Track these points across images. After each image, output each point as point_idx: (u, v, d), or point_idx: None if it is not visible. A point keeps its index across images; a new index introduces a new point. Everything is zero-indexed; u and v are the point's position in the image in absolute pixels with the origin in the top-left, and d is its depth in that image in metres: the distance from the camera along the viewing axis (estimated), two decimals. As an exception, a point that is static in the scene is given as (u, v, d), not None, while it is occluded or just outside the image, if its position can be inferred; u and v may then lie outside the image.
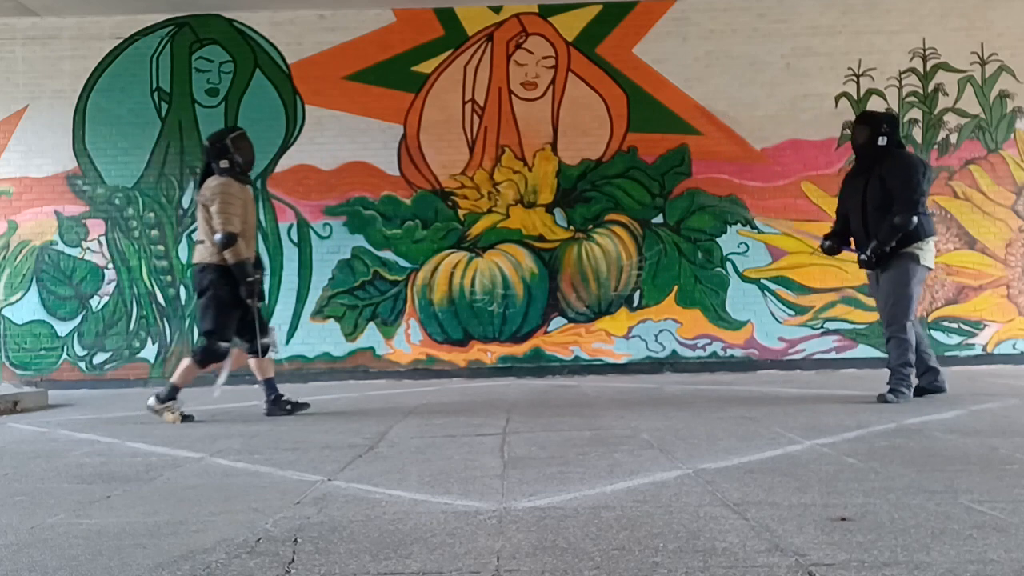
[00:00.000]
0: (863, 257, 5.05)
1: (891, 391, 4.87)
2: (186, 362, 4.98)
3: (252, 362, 5.11)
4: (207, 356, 4.94)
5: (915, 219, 4.81)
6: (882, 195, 4.91)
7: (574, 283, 7.69)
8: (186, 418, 4.89)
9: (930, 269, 5.04)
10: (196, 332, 7.66)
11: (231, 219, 4.83)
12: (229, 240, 4.81)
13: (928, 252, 4.95)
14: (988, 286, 7.68)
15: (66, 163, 7.72)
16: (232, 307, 4.95)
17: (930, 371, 5.08)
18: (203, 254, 4.94)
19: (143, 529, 2.38)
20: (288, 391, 6.81)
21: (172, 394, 4.92)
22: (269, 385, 5.13)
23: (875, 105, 7.69)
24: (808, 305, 7.61)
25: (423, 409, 5.25)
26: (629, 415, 4.63)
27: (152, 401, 4.94)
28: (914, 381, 5.02)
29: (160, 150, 7.74)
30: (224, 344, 4.94)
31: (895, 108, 7.71)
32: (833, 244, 5.32)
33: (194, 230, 7.67)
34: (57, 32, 7.76)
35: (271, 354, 5.16)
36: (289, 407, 5.10)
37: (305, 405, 5.19)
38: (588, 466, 3.13)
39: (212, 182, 4.93)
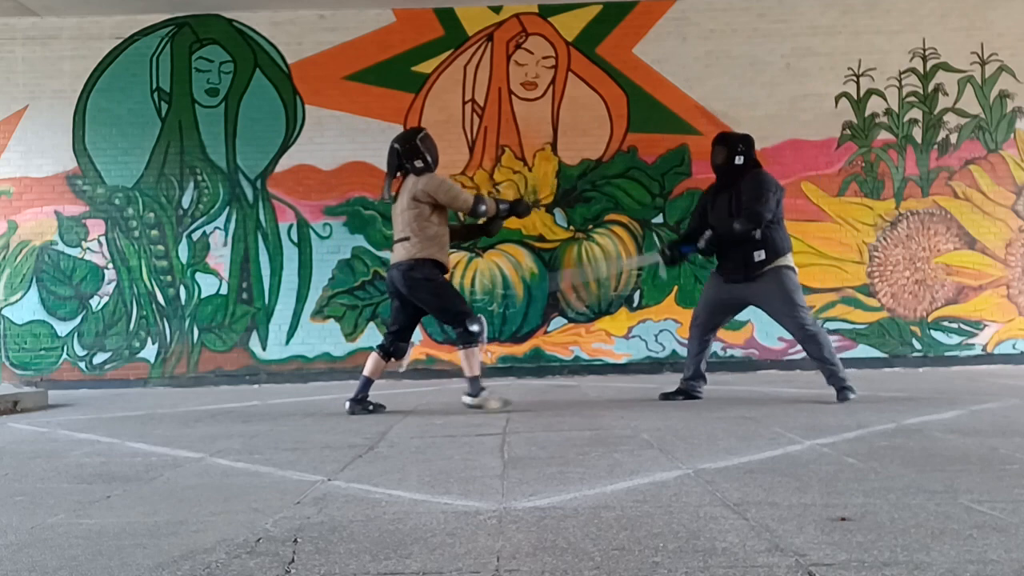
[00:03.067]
0: (700, 245, 5.18)
1: (840, 393, 4.94)
2: (460, 353, 5.01)
3: (377, 358, 5.13)
4: (472, 335, 4.94)
5: (757, 232, 4.98)
6: (729, 209, 5.10)
7: (574, 283, 7.69)
8: (505, 402, 4.97)
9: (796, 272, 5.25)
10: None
11: (462, 192, 5.04)
12: (478, 201, 5.00)
13: (791, 263, 5.16)
14: (988, 286, 7.68)
15: (66, 163, 7.72)
16: (453, 287, 5.19)
17: (699, 377, 5.38)
18: (411, 251, 4.95)
19: (143, 529, 2.38)
20: (288, 391, 6.83)
21: (477, 387, 4.97)
22: (367, 384, 5.12)
23: (875, 105, 7.70)
24: (808, 305, 7.60)
25: (423, 409, 5.25)
26: (629, 415, 4.63)
27: (467, 400, 4.99)
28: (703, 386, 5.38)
29: (160, 150, 7.74)
30: (477, 321, 4.97)
31: (895, 108, 7.71)
32: (673, 252, 5.44)
33: (194, 230, 7.70)
34: (57, 32, 7.76)
35: (399, 364, 5.27)
36: (371, 407, 5.11)
37: (382, 406, 5.19)
38: (588, 466, 3.13)
39: (425, 179, 4.98)
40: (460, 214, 5.49)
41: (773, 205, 5.04)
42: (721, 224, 5.11)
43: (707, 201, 5.38)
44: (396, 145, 5.09)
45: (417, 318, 5.23)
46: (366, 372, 5.14)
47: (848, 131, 7.70)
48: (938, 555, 1.93)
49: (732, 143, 5.21)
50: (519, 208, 5.30)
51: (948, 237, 7.66)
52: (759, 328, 7.62)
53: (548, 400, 5.62)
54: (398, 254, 5.03)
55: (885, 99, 7.71)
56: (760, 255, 5.04)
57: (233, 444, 3.98)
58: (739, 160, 5.15)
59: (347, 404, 5.07)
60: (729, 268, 5.19)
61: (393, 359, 5.19)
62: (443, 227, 5.04)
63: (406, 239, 4.99)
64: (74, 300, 7.69)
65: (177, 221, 7.74)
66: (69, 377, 7.61)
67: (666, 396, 5.40)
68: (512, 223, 7.61)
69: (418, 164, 5.02)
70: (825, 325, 7.58)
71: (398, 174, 5.10)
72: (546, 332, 7.68)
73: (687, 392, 5.37)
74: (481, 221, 5.26)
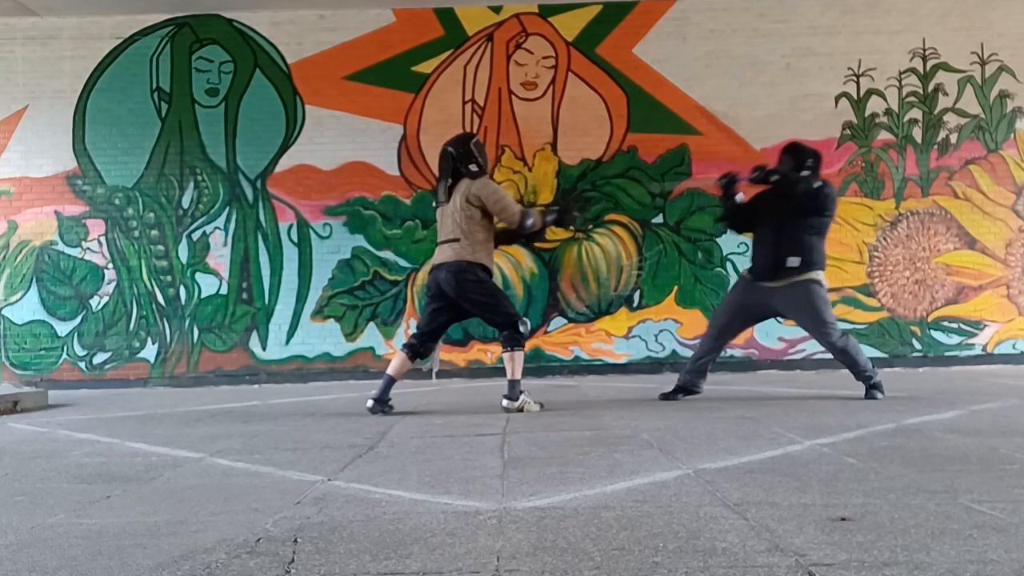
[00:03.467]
0: (753, 176, 5.09)
1: (871, 388, 5.06)
2: (506, 355, 4.98)
3: (404, 358, 5.09)
4: (520, 338, 4.97)
5: (813, 188, 4.94)
6: (795, 218, 5.03)
7: (574, 283, 7.70)
8: (542, 404, 4.98)
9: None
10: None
11: (511, 204, 5.02)
12: (525, 214, 5.00)
13: (823, 278, 5.12)
14: (988, 286, 7.68)
15: (66, 163, 7.72)
16: (501, 289, 5.22)
17: (700, 376, 5.32)
18: (461, 252, 4.96)
19: (143, 529, 2.38)
20: (288, 391, 6.83)
21: (517, 390, 4.96)
22: (390, 384, 5.09)
23: (875, 105, 7.70)
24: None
25: (423, 409, 5.25)
26: (629, 415, 4.63)
27: (506, 403, 4.96)
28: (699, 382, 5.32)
29: (160, 150, 7.74)
30: (525, 322, 5.00)
31: (895, 108, 7.72)
32: (730, 180, 5.29)
33: (194, 230, 7.70)
34: (57, 32, 7.76)
35: (427, 363, 5.21)
36: (391, 408, 5.09)
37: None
38: (588, 466, 3.13)
39: (479, 183, 5.00)
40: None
41: (829, 220, 5.06)
42: (766, 229, 5.13)
43: (761, 200, 5.24)
44: (451, 149, 5.10)
45: (455, 321, 5.23)
46: (391, 371, 5.08)
47: (848, 131, 7.70)
48: (938, 555, 1.93)
49: (802, 157, 5.12)
50: (566, 219, 5.40)
51: (948, 237, 7.67)
52: (759, 328, 7.60)
53: (548, 400, 5.61)
54: (445, 255, 5.02)
55: (885, 99, 7.71)
56: (794, 261, 5.00)
57: (233, 444, 3.98)
58: (805, 174, 5.06)
59: (369, 403, 5.02)
60: (760, 266, 5.15)
61: (418, 359, 5.17)
62: (491, 231, 5.07)
63: (455, 240, 5.00)
64: (74, 300, 7.69)
65: (177, 221, 7.74)
66: (69, 377, 7.61)
67: (666, 396, 5.39)
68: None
69: (472, 168, 5.05)
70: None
71: (449, 178, 5.12)
72: (546, 332, 7.68)
73: (686, 388, 5.34)
74: (537, 222, 5.18)
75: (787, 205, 5.02)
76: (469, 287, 4.97)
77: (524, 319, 5.02)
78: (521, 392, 4.97)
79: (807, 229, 5.01)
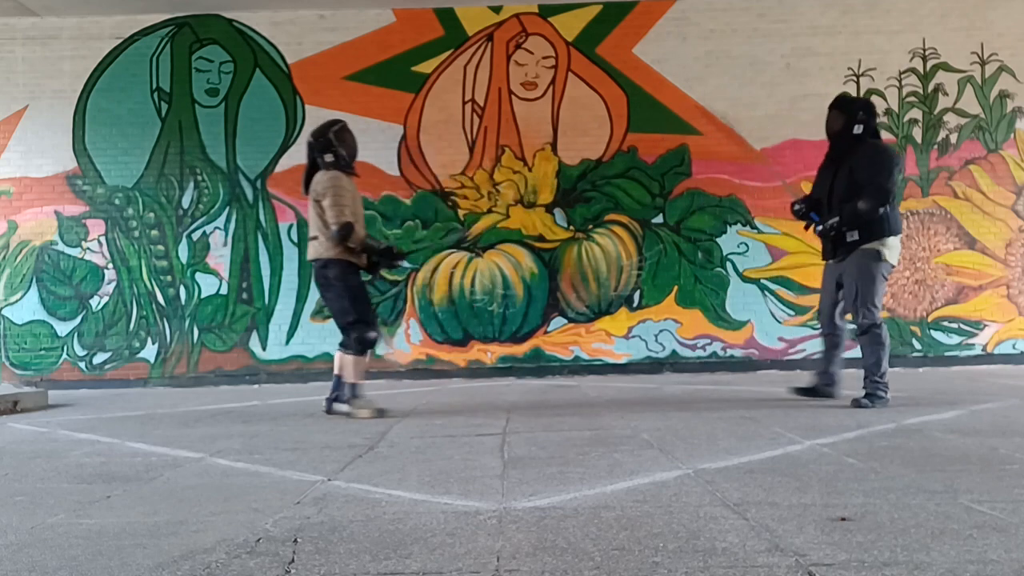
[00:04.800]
0: (819, 228, 4.90)
1: (867, 395, 4.72)
2: (347, 359, 4.93)
3: (342, 355, 5.05)
4: (363, 344, 4.90)
5: (882, 209, 4.65)
6: (848, 186, 4.75)
7: (574, 283, 7.70)
8: (381, 411, 4.91)
9: (893, 266, 4.89)
10: (195, 331, 7.67)
11: (343, 211, 4.83)
12: (346, 230, 4.81)
13: (892, 249, 4.79)
14: (988, 286, 7.68)
15: (66, 163, 7.72)
16: (364, 292, 5.02)
17: (830, 376, 5.06)
18: (319, 249, 4.92)
19: (143, 529, 2.38)
20: (288, 391, 6.83)
21: (352, 394, 4.92)
22: (340, 384, 5.07)
23: (875, 106, 7.68)
24: (808, 305, 7.61)
25: (423, 409, 5.25)
26: (629, 415, 4.63)
27: (344, 408, 4.93)
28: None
29: (160, 150, 7.74)
30: (373, 332, 4.94)
31: (895, 108, 7.71)
32: (804, 208, 5.08)
33: (194, 230, 7.70)
34: (57, 32, 7.76)
35: (380, 350, 5.13)
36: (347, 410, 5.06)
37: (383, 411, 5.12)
38: (588, 466, 3.13)
39: (322, 176, 4.91)
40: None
41: (897, 180, 4.66)
42: (825, 200, 4.84)
43: (820, 172, 5.02)
44: (310, 137, 5.01)
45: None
46: (339, 371, 5.07)
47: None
48: (938, 555, 1.93)
49: (852, 109, 4.81)
50: (383, 260, 5.05)
51: (948, 237, 7.66)
52: (759, 328, 7.62)
53: (548, 400, 5.62)
54: (309, 252, 4.99)
55: (885, 99, 7.70)
56: (853, 235, 4.71)
57: (233, 444, 3.98)
58: (858, 130, 4.76)
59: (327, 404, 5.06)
60: (825, 247, 4.97)
61: (381, 347, 5.14)
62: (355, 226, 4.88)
63: (315, 238, 4.94)
64: (74, 300, 7.68)
65: (177, 221, 7.74)
66: (69, 377, 7.61)
67: (799, 391, 5.14)
68: (513, 223, 7.67)
69: (328, 158, 4.93)
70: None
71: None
72: (546, 332, 7.68)
73: (817, 390, 5.07)
74: (352, 244, 4.91)
75: (847, 175, 4.72)
76: (325, 284, 4.95)
77: (370, 331, 4.88)
78: (358, 397, 4.90)
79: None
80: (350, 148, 5.03)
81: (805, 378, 6.83)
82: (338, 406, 4.97)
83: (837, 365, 5.09)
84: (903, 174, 4.85)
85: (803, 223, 5.21)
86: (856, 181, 4.72)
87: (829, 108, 4.98)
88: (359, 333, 4.87)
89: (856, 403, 4.73)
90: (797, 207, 5.14)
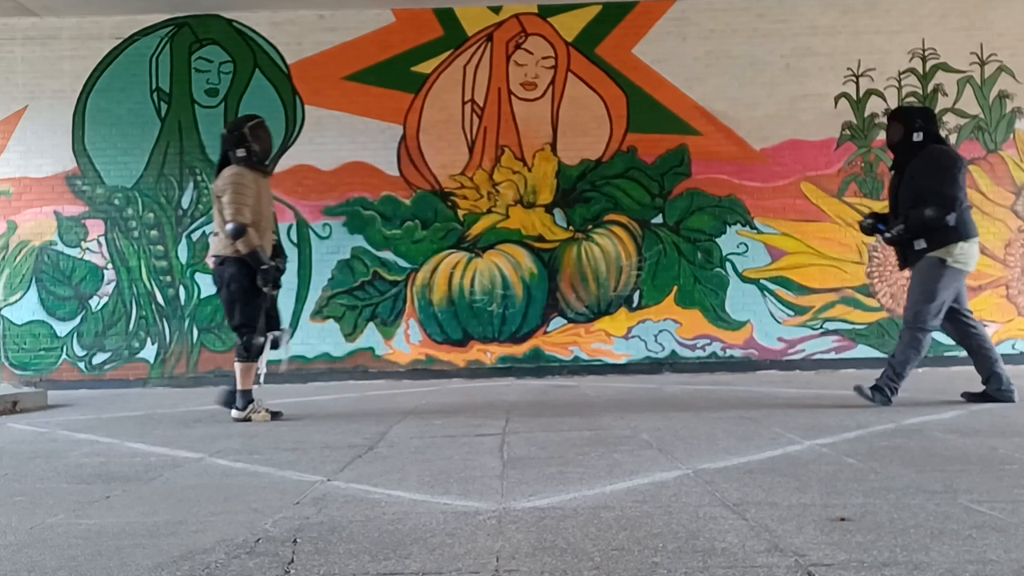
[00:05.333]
0: (887, 235, 4.85)
1: (874, 387, 4.71)
2: (237, 366, 4.93)
3: (240, 367, 5.01)
4: (249, 350, 4.88)
5: (950, 217, 4.57)
6: (912, 194, 4.70)
7: (574, 283, 7.69)
8: (275, 414, 4.90)
9: (967, 271, 4.76)
10: (195, 331, 7.67)
11: (241, 209, 4.77)
12: (239, 230, 4.75)
13: (962, 254, 4.66)
14: (987, 286, 7.68)
15: (66, 163, 7.71)
16: (257, 295, 4.92)
17: (994, 377, 4.80)
18: (218, 246, 4.90)
19: (143, 529, 2.38)
20: (288, 391, 6.82)
21: (248, 399, 4.90)
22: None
23: (874, 106, 7.69)
24: (807, 305, 7.61)
25: (423, 409, 5.25)
26: (629, 415, 4.63)
27: (235, 413, 4.91)
28: (985, 389, 4.82)
29: (160, 150, 7.74)
30: (260, 338, 4.91)
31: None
32: (873, 222, 5.01)
33: (194, 230, 7.70)
34: (57, 32, 7.76)
35: (281, 352, 5.12)
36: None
37: (278, 414, 5.10)
38: (588, 466, 3.13)
39: (226, 172, 4.89)
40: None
41: (962, 184, 4.60)
42: (893, 210, 4.81)
43: (892, 187, 4.97)
44: (224, 131, 4.98)
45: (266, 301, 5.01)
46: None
47: (848, 131, 7.70)
48: (938, 555, 1.93)
49: (909, 118, 4.80)
50: (263, 276, 4.85)
51: (948, 237, 7.65)
52: (759, 328, 7.62)
53: (548, 400, 5.62)
54: (210, 248, 4.98)
55: (885, 99, 7.70)
56: (920, 243, 4.66)
57: (233, 444, 3.98)
58: (918, 137, 4.72)
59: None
60: (898, 256, 4.93)
61: (282, 348, 5.13)
62: (255, 223, 4.80)
63: (216, 234, 4.91)
64: (74, 300, 7.68)
65: (177, 221, 7.74)
66: (69, 377, 7.60)
67: (969, 397, 4.92)
68: (512, 223, 7.67)
69: (240, 153, 4.88)
70: (824, 325, 7.61)
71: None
72: (546, 332, 7.68)
73: (989, 395, 4.81)
74: (240, 246, 4.81)
75: (909, 183, 4.69)
76: (217, 283, 4.93)
77: (260, 335, 4.83)
78: (251, 402, 4.87)
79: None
80: (264, 145, 5.00)
81: (805, 378, 6.86)
82: (235, 412, 4.91)
83: (996, 365, 4.80)
84: (964, 173, 4.79)
85: (874, 236, 5.17)
86: (919, 188, 4.67)
87: (888, 120, 4.99)
88: (245, 338, 4.86)
89: (858, 389, 4.75)
90: (867, 222, 5.08)
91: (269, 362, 5.20)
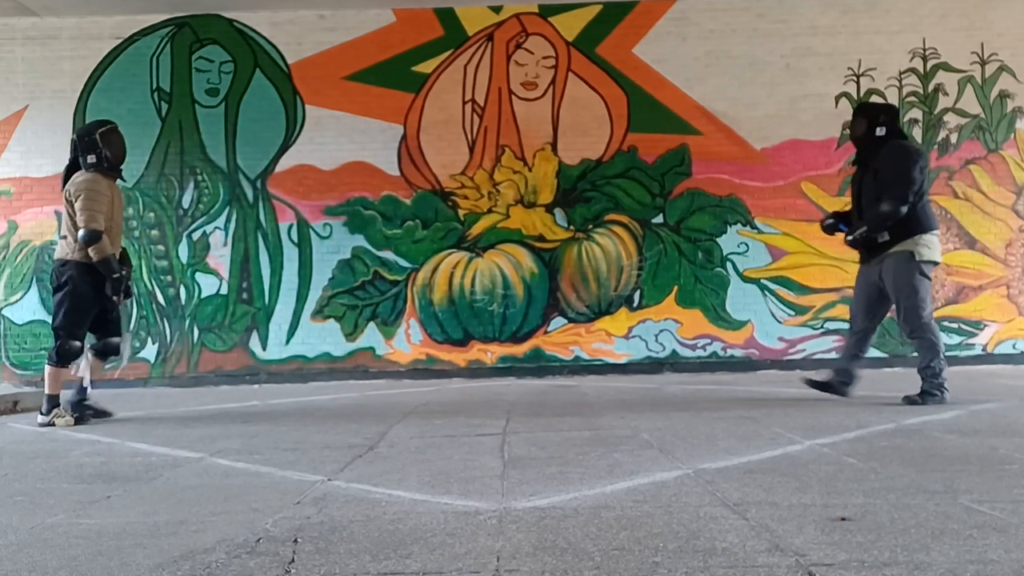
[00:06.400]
0: (849, 238, 4.97)
1: (922, 393, 4.77)
2: (47, 369, 4.90)
3: (91, 360, 5.00)
4: (61, 355, 4.84)
5: (903, 208, 4.67)
6: (876, 187, 4.79)
7: (574, 283, 7.70)
8: (79, 420, 4.85)
9: (935, 263, 4.87)
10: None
11: (95, 216, 4.74)
12: (92, 237, 4.72)
13: (926, 247, 4.77)
14: (988, 286, 7.68)
15: (66, 163, 7.69)
16: (90, 304, 4.88)
17: (848, 374, 5.06)
18: (64, 250, 4.87)
19: (143, 529, 2.38)
20: (288, 391, 6.83)
21: (53, 404, 4.85)
22: (83, 390, 5.02)
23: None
24: (808, 305, 7.61)
25: (423, 409, 5.25)
26: (629, 415, 4.63)
27: (40, 419, 4.85)
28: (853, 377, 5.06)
29: (160, 150, 7.74)
30: (75, 343, 4.86)
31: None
32: (834, 222, 5.16)
33: (194, 230, 7.71)
34: (57, 32, 7.76)
35: (117, 361, 5.10)
36: (91, 413, 5.01)
37: (106, 414, 5.07)
38: (588, 466, 3.13)
39: (78, 177, 4.85)
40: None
41: (919, 177, 4.68)
42: (857, 205, 4.90)
43: (852, 178, 5.10)
44: (74, 136, 4.98)
45: (109, 308, 5.01)
46: (85, 374, 5.02)
47: (848, 131, 7.68)
48: (938, 555, 1.93)
49: (873, 113, 4.91)
50: (112, 285, 4.86)
51: (948, 237, 7.66)
52: (759, 328, 7.62)
53: (548, 400, 5.62)
54: (56, 251, 4.96)
55: (885, 99, 7.70)
56: (883, 236, 4.75)
57: (233, 444, 3.98)
58: (880, 132, 4.84)
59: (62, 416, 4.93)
60: (861, 252, 4.99)
61: (120, 357, 5.14)
62: (107, 231, 4.82)
63: (64, 237, 4.90)
64: (74, 300, 7.67)
65: (177, 221, 7.74)
66: (69, 377, 7.59)
67: (811, 383, 5.14)
68: (513, 223, 7.67)
69: (90, 159, 4.86)
70: (825, 325, 7.61)
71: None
72: (546, 332, 7.68)
73: (832, 386, 5.06)
74: (92, 253, 4.81)
75: (872, 177, 4.79)
76: (55, 284, 4.90)
77: (71, 343, 4.81)
78: (56, 407, 4.84)
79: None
80: (116, 151, 4.97)
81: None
82: (40, 417, 4.87)
83: (857, 365, 5.09)
84: (927, 169, 4.86)
85: (837, 235, 5.25)
86: (881, 183, 4.76)
87: (853, 114, 5.07)
88: (60, 344, 4.83)
89: (908, 399, 4.78)
90: (827, 222, 5.20)
91: (108, 368, 5.18)
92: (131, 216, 7.71)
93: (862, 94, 7.69)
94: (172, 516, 2.52)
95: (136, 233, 7.71)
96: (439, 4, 7.70)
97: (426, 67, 7.77)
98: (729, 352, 7.64)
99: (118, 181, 5.13)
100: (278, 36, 7.78)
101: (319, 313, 7.70)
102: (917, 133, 7.71)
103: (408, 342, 7.67)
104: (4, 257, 7.68)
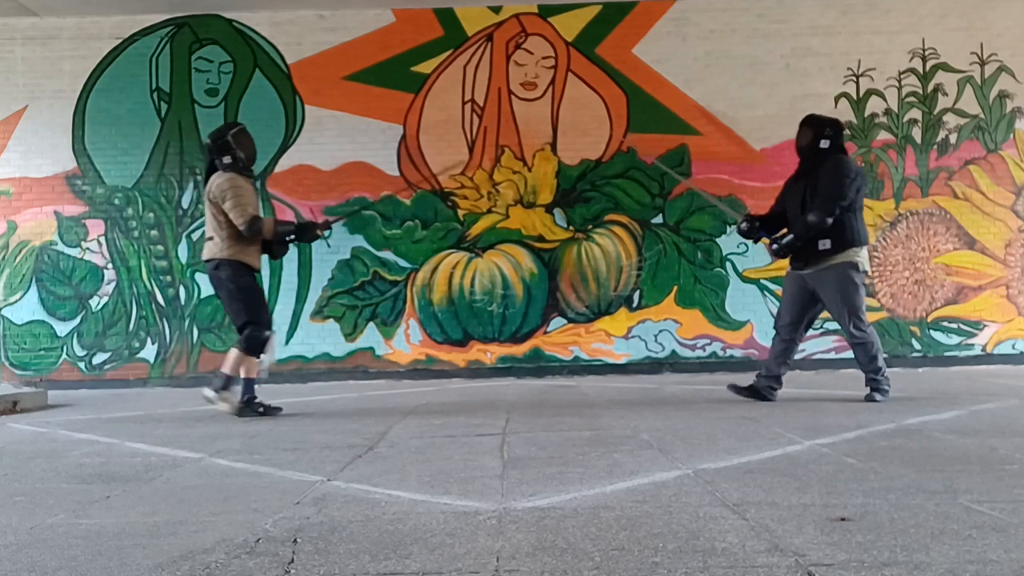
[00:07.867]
0: (775, 247, 5.08)
1: (873, 391, 4.95)
2: (233, 352, 4.99)
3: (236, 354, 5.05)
4: (251, 345, 4.97)
5: (829, 220, 4.79)
6: (811, 200, 4.91)
7: (574, 283, 7.69)
8: (241, 412, 4.95)
9: (866, 272, 5.02)
10: (195, 331, 7.67)
11: (245, 208, 4.91)
12: (253, 225, 4.91)
13: (865, 259, 4.96)
14: (988, 286, 7.68)
15: (66, 163, 7.71)
16: (256, 290, 5.10)
17: (774, 379, 5.14)
18: (213, 250, 4.99)
19: (143, 529, 2.38)
20: (287, 391, 6.82)
21: (226, 384, 4.97)
22: (248, 385, 5.10)
23: (874, 106, 7.70)
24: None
25: (423, 409, 5.25)
26: (629, 415, 4.63)
27: (208, 392, 4.99)
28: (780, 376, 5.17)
29: (160, 150, 7.74)
30: (265, 331, 5.01)
31: (895, 108, 7.71)
32: (751, 226, 5.26)
33: (194, 230, 7.70)
34: (57, 32, 7.76)
35: (264, 357, 5.17)
36: (262, 410, 5.06)
37: (277, 409, 5.15)
38: (588, 466, 3.13)
39: (218, 179, 4.98)
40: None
41: (851, 193, 4.83)
42: (793, 213, 5.00)
43: (787, 185, 5.20)
44: (207, 139, 5.10)
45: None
46: (244, 373, 5.10)
47: (848, 131, 7.69)
48: (938, 555, 1.93)
49: (819, 126, 5.01)
50: (306, 234, 5.25)
51: (948, 237, 7.66)
52: (759, 328, 7.62)
53: (548, 400, 5.62)
54: (205, 251, 5.08)
55: (885, 99, 7.71)
56: (825, 244, 4.85)
57: (233, 444, 3.98)
58: (824, 144, 4.95)
59: (227, 406, 5.03)
60: (794, 256, 5.05)
61: (266, 353, 5.18)
62: None
63: (210, 238, 5.02)
64: (74, 300, 7.68)
65: (177, 221, 7.74)
66: (69, 377, 7.60)
67: (736, 389, 5.24)
68: (513, 223, 7.67)
69: (226, 160, 5.00)
70: (824, 326, 7.60)
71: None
72: (546, 332, 7.68)
73: (758, 391, 5.15)
74: (266, 235, 5.10)
75: (812, 188, 4.89)
76: (219, 284, 5.03)
77: (263, 332, 4.96)
78: (226, 390, 4.95)
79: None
80: (248, 151, 5.10)
81: (805, 378, 6.85)
82: (205, 391, 5.02)
83: (785, 369, 5.20)
84: (864, 188, 4.97)
85: (755, 239, 5.42)
86: (813, 193, 4.91)
87: (800, 125, 5.17)
88: (251, 332, 4.95)
89: (870, 398, 4.94)
90: (743, 225, 5.29)
91: (278, 361, 5.31)
92: (131, 216, 7.72)
93: (862, 94, 7.70)
94: (172, 516, 2.52)
95: (136, 233, 7.71)
96: (439, 4, 7.70)
97: (426, 67, 7.77)
98: (729, 352, 7.64)
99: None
100: (278, 36, 7.78)
101: (319, 313, 7.69)
102: (917, 133, 7.71)
103: (408, 342, 7.67)
104: (3, 257, 7.68)
